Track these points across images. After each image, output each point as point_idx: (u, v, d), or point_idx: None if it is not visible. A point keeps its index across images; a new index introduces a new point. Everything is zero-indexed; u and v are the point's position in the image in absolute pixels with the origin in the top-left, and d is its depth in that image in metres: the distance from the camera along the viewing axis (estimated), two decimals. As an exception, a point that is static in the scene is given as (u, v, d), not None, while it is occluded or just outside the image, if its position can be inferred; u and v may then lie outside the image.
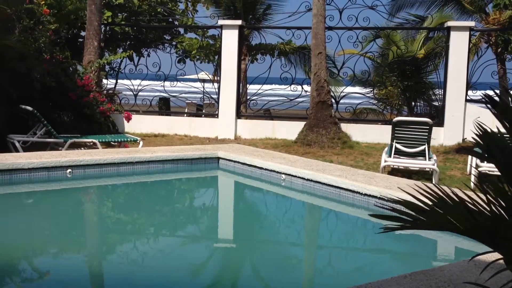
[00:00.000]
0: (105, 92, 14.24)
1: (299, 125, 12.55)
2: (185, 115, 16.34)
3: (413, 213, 1.97)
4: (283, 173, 7.76)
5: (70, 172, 7.83)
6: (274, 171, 7.96)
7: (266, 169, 8.12)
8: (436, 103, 17.32)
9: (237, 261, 5.39)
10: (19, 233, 5.82)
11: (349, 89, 15.84)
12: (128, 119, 12.52)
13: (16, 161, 7.39)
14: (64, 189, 8.01)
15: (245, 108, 15.88)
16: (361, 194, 6.43)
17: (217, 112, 14.00)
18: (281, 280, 4.79)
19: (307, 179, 7.29)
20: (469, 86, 13.08)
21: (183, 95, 15.85)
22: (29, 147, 10.00)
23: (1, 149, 9.02)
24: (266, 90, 14.35)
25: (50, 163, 7.65)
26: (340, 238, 6.24)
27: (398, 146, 8.60)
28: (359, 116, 17.85)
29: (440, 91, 14.67)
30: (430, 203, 1.96)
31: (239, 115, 13.73)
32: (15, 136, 9.81)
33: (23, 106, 9.94)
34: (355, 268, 5.18)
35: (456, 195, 1.91)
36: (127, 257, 5.31)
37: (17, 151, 9.42)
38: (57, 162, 7.71)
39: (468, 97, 12.84)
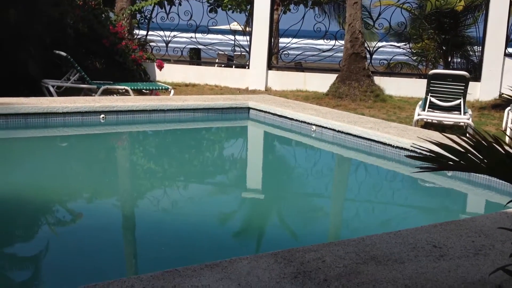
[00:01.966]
0: (137, 40, 14.22)
1: (331, 78, 12.36)
2: (216, 65, 16.24)
3: (450, 155, 1.93)
4: (314, 124, 7.70)
5: (103, 117, 7.92)
6: (304, 122, 7.90)
7: (296, 120, 8.08)
8: (473, 58, 16.79)
9: (264, 211, 5.42)
10: (53, 175, 5.96)
11: (384, 43, 15.45)
12: (160, 67, 12.53)
13: (51, 105, 7.51)
14: (97, 134, 8.13)
15: (276, 59, 15.69)
16: (393, 146, 6.35)
17: (248, 63, 13.88)
18: (308, 231, 4.80)
19: (338, 131, 7.22)
20: (509, 40, 12.60)
21: (215, 47, 15.72)
22: (62, 92, 10.14)
23: (36, 94, 9.16)
24: (298, 41, 14.09)
25: (84, 108, 7.75)
26: (369, 190, 6.21)
27: (433, 99, 8.41)
28: (393, 70, 17.46)
29: (478, 47, 14.19)
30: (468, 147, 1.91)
31: (270, 66, 13.59)
32: (49, 81, 9.94)
33: (57, 52, 10.01)
34: (384, 220, 5.17)
35: (495, 138, 1.86)
36: (158, 203, 5.39)
37: (51, 95, 9.57)
38: (91, 107, 7.81)
39: (507, 52, 12.40)
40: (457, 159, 1.92)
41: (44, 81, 9.92)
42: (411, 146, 3.30)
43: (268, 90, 13.10)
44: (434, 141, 2.08)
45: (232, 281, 2.29)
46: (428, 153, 1.92)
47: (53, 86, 9.85)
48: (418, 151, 1.97)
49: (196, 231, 4.49)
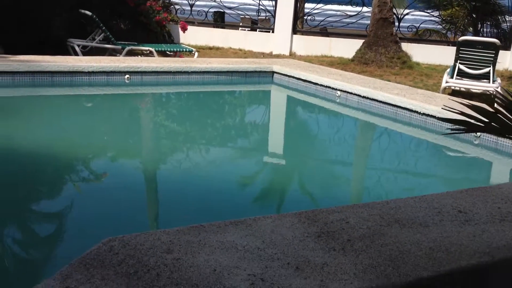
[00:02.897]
0: (161, 1, 14.11)
1: (357, 43, 12.16)
2: (239, 29, 16.07)
3: (481, 117, 1.89)
4: (339, 90, 7.62)
5: (128, 78, 7.95)
6: (329, 87, 7.83)
7: (321, 85, 8.00)
8: (504, 26, 16.30)
9: (288, 175, 5.43)
10: (78, 134, 6.04)
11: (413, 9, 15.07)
12: (184, 29, 12.46)
13: (77, 64, 7.55)
14: (122, 94, 8.18)
15: (301, 24, 15.46)
16: (419, 113, 6.27)
17: (272, 27, 13.70)
18: (332, 195, 4.80)
19: (363, 97, 7.14)
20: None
21: (239, 12, 15.53)
22: (87, 52, 10.17)
23: (61, 53, 9.21)
24: (324, 6, 13.84)
25: (109, 68, 7.78)
26: (394, 156, 6.17)
27: (462, 67, 8.23)
28: (421, 37, 17.07)
29: (509, 16, 13.75)
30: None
31: (295, 30, 13.41)
32: (75, 40, 9.98)
33: (83, 11, 10.01)
34: (409, 185, 5.14)
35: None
36: (180, 165, 5.43)
37: (76, 55, 9.61)
38: (116, 67, 7.83)
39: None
40: (488, 121, 1.88)
41: (70, 40, 9.96)
42: (442, 107, 3.24)
43: (292, 55, 12.97)
44: (465, 102, 2.04)
45: (256, 238, 2.31)
46: (459, 114, 1.89)
47: (78, 46, 9.88)
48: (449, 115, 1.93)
49: (217, 195, 4.52)
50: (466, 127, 1.90)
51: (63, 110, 7.14)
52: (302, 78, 8.37)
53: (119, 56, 9.95)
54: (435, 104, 6.17)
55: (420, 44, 13.01)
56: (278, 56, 12.72)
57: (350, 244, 2.31)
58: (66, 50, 9.84)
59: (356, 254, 2.22)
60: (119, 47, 10.22)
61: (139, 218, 3.99)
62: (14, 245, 3.56)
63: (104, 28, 10.10)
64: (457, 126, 1.86)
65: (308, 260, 2.15)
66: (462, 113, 1.94)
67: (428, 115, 6.14)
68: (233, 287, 1.92)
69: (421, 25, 15.20)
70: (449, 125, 2.00)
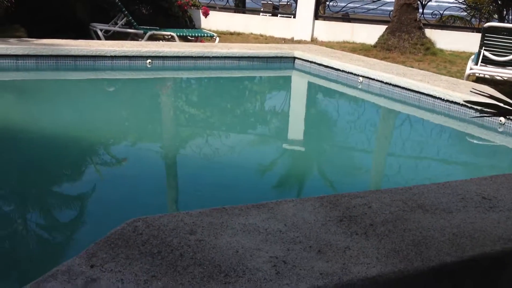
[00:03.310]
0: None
1: (379, 29, 12.01)
2: (261, 14, 15.99)
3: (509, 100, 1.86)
4: (361, 76, 7.56)
5: (150, 62, 7.99)
6: (351, 73, 7.76)
7: (343, 71, 7.94)
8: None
9: (307, 163, 5.41)
10: (100, 117, 6.09)
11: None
12: (206, 14, 12.44)
13: (100, 48, 7.61)
14: (143, 79, 8.23)
15: (323, 9, 15.31)
16: (443, 100, 6.19)
17: (294, 12, 13.60)
18: (354, 181, 4.77)
19: (386, 83, 7.07)
20: None
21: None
22: (109, 37, 10.23)
23: (83, 37, 9.28)
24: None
25: (131, 52, 7.82)
26: (417, 143, 6.10)
27: (487, 54, 8.08)
28: (445, 23, 16.78)
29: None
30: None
31: (317, 16, 13.29)
32: (97, 24, 10.03)
33: (105, -4, 10.07)
34: (432, 172, 5.08)
35: None
36: (200, 151, 5.44)
37: (99, 39, 9.68)
38: (138, 52, 7.87)
39: None
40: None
41: (92, 24, 10.02)
42: (471, 91, 3.19)
43: (314, 41, 12.87)
44: (491, 88, 2.00)
45: (278, 221, 2.32)
46: (488, 97, 1.86)
47: (101, 30, 9.94)
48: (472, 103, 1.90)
49: (235, 181, 4.53)
50: (496, 110, 1.87)
51: (85, 94, 7.22)
52: (324, 64, 8.31)
53: (141, 40, 9.99)
54: (459, 91, 6.08)
55: (444, 31, 12.80)
56: (299, 42, 12.64)
57: (372, 229, 2.30)
58: (89, 35, 9.91)
59: (379, 239, 2.21)
60: (141, 31, 10.26)
61: (160, 200, 4.03)
62: (41, 226, 3.62)
63: (126, 12, 10.14)
64: (486, 109, 1.83)
65: (330, 243, 2.15)
66: (492, 97, 1.91)
67: (452, 101, 6.06)
68: (255, 268, 1.93)
69: (445, 11, 14.94)
70: (473, 112, 1.98)
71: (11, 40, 7.75)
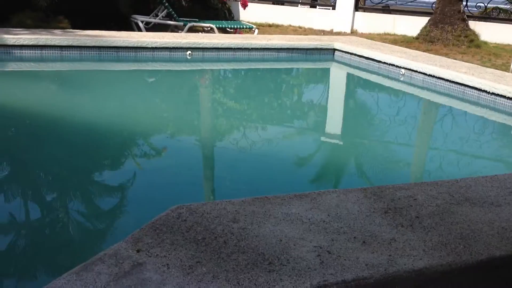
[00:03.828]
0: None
1: (421, 21, 11.75)
2: (299, 6, 15.87)
3: None
4: (403, 68, 7.41)
5: (189, 54, 8.04)
6: (393, 65, 7.63)
7: (384, 63, 7.80)
8: None
9: (342, 157, 5.33)
10: (141, 107, 6.17)
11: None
12: (245, 6, 12.41)
13: (141, 39, 7.70)
14: (183, 70, 8.29)
15: (363, 0, 15.09)
16: (488, 93, 6.01)
17: (333, 4, 13.45)
18: (398, 174, 4.69)
19: (429, 75, 6.92)
20: None
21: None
22: (150, 29, 10.34)
23: (126, 29, 9.41)
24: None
25: (171, 44, 7.89)
26: (461, 136, 5.94)
27: (535, 45, 7.81)
28: (489, 15, 16.30)
29: None
30: None
31: (357, 7, 13.10)
32: (138, 16, 10.15)
33: (146, -12, 10.16)
34: (477, 166, 4.95)
35: None
36: (237, 143, 5.43)
37: (140, 31, 9.79)
38: (178, 43, 7.93)
39: None
40: None
41: (134, 16, 10.15)
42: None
43: (353, 33, 12.70)
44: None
45: (321, 212, 2.29)
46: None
47: (142, 22, 10.06)
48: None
49: (272, 173, 4.50)
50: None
51: (128, 84, 7.32)
52: (365, 55, 8.19)
53: (181, 32, 10.06)
54: (506, 84, 5.90)
55: (488, 23, 12.42)
56: (339, 33, 12.50)
57: (418, 221, 2.26)
58: (130, 26, 10.03)
59: (425, 231, 2.16)
60: (181, 23, 10.33)
61: (198, 191, 4.06)
62: (86, 213, 3.70)
63: (167, 4, 10.22)
64: None
65: (375, 235, 2.12)
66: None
67: (498, 94, 5.89)
68: (299, 257, 1.92)
69: (489, 3, 14.50)
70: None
71: (56, 31, 7.92)
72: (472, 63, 8.47)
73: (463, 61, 9.00)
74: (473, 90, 6.23)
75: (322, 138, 5.84)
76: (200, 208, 2.29)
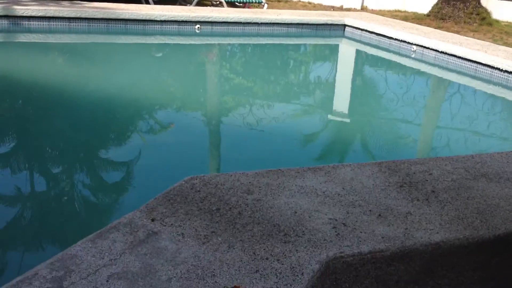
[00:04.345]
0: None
1: (433, -3, 11.59)
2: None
3: None
4: (415, 44, 7.32)
5: (198, 27, 7.95)
6: (404, 41, 7.53)
7: (396, 39, 7.71)
8: None
9: (348, 135, 5.29)
10: (147, 81, 6.12)
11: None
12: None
13: (150, 12, 7.62)
14: (192, 44, 8.22)
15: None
16: (501, 70, 5.93)
17: (344, -21, 13.25)
18: (413, 148, 4.64)
19: (441, 52, 6.83)
20: None
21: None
22: (158, 2, 10.22)
23: (134, 2, 9.30)
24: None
25: (180, 17, 7.80)
26: (474, 113, 5.88)
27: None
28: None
29: None
30: None
31: (368, -17, 12.92)
32: (147, -11, 10.03)
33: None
34: (491, 142, 4.90)
35: None
36: (243, 119, 5.40)
37: (148, 3, 9.68)
38: (187, 17, 7.84)
39: None
40: None
41: (142, -11, 10.02)
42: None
43: (364, 9, 12.54)
44: None
45: (336, 185, 2.27)
46: None
47: (150, -5, 9.94)
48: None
49: (278, 151, 4.47)
50: None
51: (136, 57, 7.26)
52: (376, 31, 8.08)
53: (189, 6, 9.95)
54: (520, 61, 5.82)
55: (501, 1, 12.22)
56: (348, 10, 12.34)
57: (434, 195, 2.23)
58: (139, 0, 9.92)
59: (441, 205, 2.14)
60: (190, -3, 10.21)
61: (204, 164, 4.06)
62: (99, 183, 3.70)
63: (175, -23, 10.10)
64: None
65: (390, 208, 2.10)
66: None
67: (511, 72, 5.80)
68: (314, 229, 1.90)
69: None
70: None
71: (64, 2, 7.85)
72: (484, 41, 8.35)
73: (474, 39, 8.88)
74: (486, 68, 6.15)
75: (324, 119, 5.81)
76: (213, 180, 2.27)
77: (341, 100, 6.50)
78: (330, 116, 5.78)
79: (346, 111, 6.04)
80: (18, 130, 4.48)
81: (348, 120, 5.63)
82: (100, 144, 4.29)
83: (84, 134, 4.39)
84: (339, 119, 5.64)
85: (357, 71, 8.17)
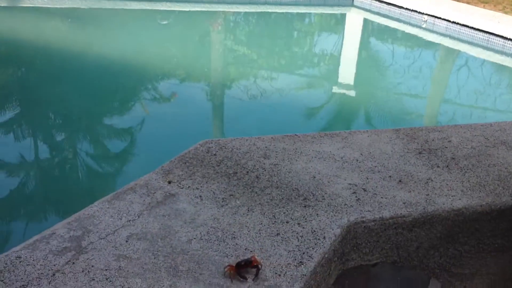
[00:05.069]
0: None
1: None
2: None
3: None
4: (426, 14, 7.18)
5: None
6: (415, 11, 7.39)
7: (406, 9, 7.56)
8: None
9: (352, 107, 5.23)
10: (151, 49, 6.04)
11: None
12: None
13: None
14: (192, 11, 8.08)
15: None
16: (514, 41, 5.83)
17: None
18: (432, 113, 4.58)
19: (453, 22, 6.70)
20: None
21: None
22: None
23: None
24: None
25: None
26: (487, 84, 5.81)
27: None
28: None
29: None
30: None
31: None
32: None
33: None
34: (507, 112, 4.84)
35: None
36: (247, 91, 5.35)
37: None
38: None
39: None
40: None
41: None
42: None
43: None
44: None
45: (353, 150, 2.23)
46: None
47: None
48: None
49: (281, 123, 4.42)
50: None
51: (143, 24, 7.16)
52: (386, 0, 7.93)
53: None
54: (534, 32, 5.70)
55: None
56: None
57: (454, 162, 2.19)
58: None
59: (462, 172, 2.10)
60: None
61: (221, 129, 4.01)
62: (96, 154, 3.67)
63: None
64: None
65: (411, 174, 2.05)
66: None
67: (524, 43, 5.71)
68: (334, 194, 1.87)
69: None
70: None
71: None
72: (495, 12, 8.19)
73: (485, 9, 8.72)
74: (498, 38, 6.04)
75: (328, 91, 5.75)
76: (229, 144, 2.23)
77: (348, 72, 6.43)
78: (334, 89, 5.73)
79: (351, 83, 5.97)
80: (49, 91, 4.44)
81: (353, 92, 5.57)
82: (107, 109, 4.25)
83: (95, 99, 4.34)
84: (343, 91, 5.59)
85: (368, 42, 8.05)
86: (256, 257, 1.43)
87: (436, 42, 7.31)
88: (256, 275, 1.41)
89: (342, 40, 8.15)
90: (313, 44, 7.76)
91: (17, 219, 2.83)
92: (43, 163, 3.38)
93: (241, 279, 1.39)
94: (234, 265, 1.40)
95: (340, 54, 7.33)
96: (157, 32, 6.94)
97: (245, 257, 1.45)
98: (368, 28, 8.73)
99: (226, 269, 1.40)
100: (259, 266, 1.42)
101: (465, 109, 5.19)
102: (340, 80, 6.19)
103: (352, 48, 7.69)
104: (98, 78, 4.85)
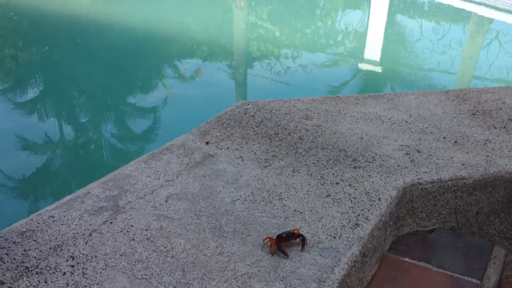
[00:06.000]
0: None
1: None
2: None
3: None
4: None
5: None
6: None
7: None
8: None
9: (376, 84, 5.04)
10: (176, 25, 5.90)
11: None
12: None
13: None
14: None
15: None
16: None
17: None
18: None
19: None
20: None
21: None
22: None
23: None
24: None
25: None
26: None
27: None
28: None
29: None
30: None
31: None
32: None
33: None
34: None
35: None
36: (271, 69, 5.19)
37: None
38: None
39: None
40: None
41: None
42: None
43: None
44: None
45: (401, 112, 2.08)
46: None
47: None
48: None
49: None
50: None
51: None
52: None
53: None
54: None
55: None
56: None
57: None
58: None
59: (523, 133, 1.93)
60: None
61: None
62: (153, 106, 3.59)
63: None
64: None
65: (466, 135, 1.90)
66: None
67: None
68: (385, 155, 1.72)
69: None
70: None
71: None
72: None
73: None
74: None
75: (353, 69, 5.57)
76: (267, 105, 2.09)
77: (373, 48, 6.22)
78: (359, 66, 5.54)
79: (377, 60, 5.77)
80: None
81: (377, 68, 5.37)
82: (147, 70, 4.16)
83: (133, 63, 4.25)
84: (367, 68, 5.39)
85: (390, 17, 7.79)
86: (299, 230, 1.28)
87: (473, 11, 7.01)
88: (303, 246, 1.25)
89: (369, 14, 7.90)
90: (338, 19, 7.52)
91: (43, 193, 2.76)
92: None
93: (282, 254, 1.22)
94: (274, 237, 1.24)
95: (367, 29, 7.10)
96: (180, 7, 6.80)
97: (287, 229, 1.29)
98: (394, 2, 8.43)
99: (265, 241, 1.23)
100: (305, 237, 1.28)
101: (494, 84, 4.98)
102: (366, 56, 6.01)
103: (379, 22, 7.45)
104: (119, 58, 4.76)
